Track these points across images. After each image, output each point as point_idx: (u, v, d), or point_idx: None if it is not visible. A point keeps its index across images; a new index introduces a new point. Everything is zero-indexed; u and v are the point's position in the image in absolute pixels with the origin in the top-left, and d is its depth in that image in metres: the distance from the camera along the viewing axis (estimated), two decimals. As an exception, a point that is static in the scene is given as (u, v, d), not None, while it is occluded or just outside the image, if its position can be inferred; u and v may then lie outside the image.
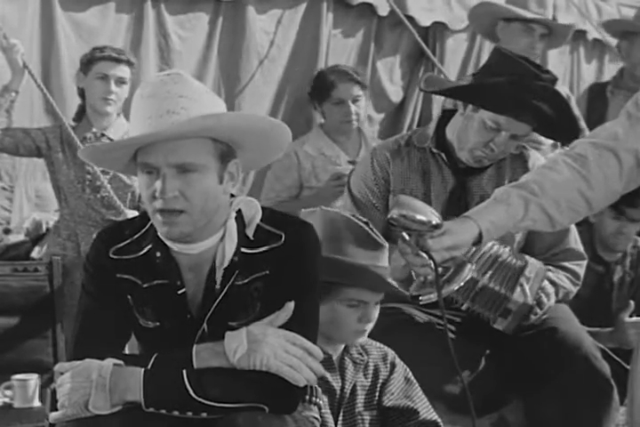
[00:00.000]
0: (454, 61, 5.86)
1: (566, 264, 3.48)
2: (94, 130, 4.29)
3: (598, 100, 5.20)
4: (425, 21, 5.62)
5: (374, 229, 2.75)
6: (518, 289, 3.26)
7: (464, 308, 3.30)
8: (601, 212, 3.86)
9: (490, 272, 3.24)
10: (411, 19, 5.47)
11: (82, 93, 4.32)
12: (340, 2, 5.37)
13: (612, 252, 4.13)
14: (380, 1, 5.38)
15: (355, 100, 4.56)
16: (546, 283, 3.32)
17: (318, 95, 4.59)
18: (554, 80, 3.31)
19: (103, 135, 4.28)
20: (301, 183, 4.49)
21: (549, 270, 3.38)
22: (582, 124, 4.79)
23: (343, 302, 2.66)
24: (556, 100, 3.25)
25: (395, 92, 5.68)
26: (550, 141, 4.39)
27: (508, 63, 3.29)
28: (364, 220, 2.77)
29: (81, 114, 4.37)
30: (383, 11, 5.44)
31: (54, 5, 4.58)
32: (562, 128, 3.30)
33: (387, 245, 2.74)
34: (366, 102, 4.75)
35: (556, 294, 3.39)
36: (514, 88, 3.21)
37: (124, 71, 4.23)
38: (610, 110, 5.07)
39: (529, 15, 4.56)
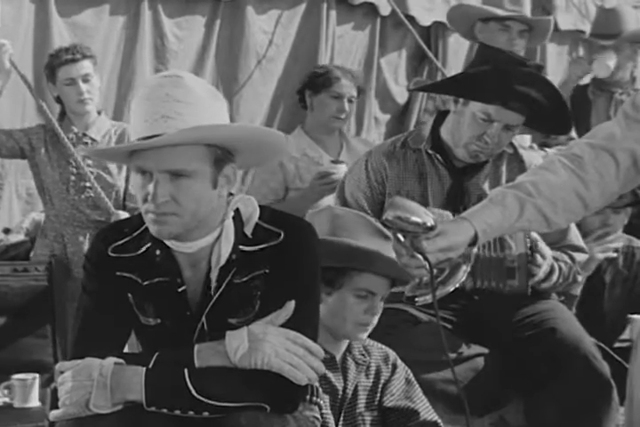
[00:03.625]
0: (457, 61, 5.86)
1: (566, 251, 3.49)
2: (75, 130, 4.29)
3: (581, 102, 5.23)
4: (425, 21, 5.63)
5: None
6: (506, 245, 3.28)
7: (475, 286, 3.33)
8: None
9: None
10: (411, 18, 5.47)
11: (59, 100, 4.33)
12: (342, 2, 5.37)
13: None
14: (381, 1, 5.38)
15: (350, 100, 4.57)
16: (530, 234, 3.32)
17: (315, 86, 4.57)
18: (539, 67, 3.32)
19: (85, 135, 4.28)
20: (286, 185, 4.49)
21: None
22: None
23: (351, 293, 2.66)
24: (544, 85, 3.26)
25: (400, 93, 5.69)
26: (526, 144, 4.41)
27: (491, 54, 3.32)
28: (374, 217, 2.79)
29: (62, 115, 4.37)
30: (385, 10, 5.45)
31: (50, 5, 4.58)
32: (554, 117, 3.30)
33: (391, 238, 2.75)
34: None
35: (555, 267, 3.40)
36: (497, 75, 3.22)
37: (86, 67, 4.22)
38: (593, 112, 5.10)
39: (502, 13, 4.59)
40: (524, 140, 4.46)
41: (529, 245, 3.29)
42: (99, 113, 4.35)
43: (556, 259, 3.41)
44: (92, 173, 4.22)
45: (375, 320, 2.73)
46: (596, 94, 5.34)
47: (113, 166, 4.30)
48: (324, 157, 4.52)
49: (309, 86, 4.60)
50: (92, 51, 4.31)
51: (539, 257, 3.30)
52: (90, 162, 4.25)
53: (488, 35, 4.61)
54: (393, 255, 2.70)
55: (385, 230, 2.74)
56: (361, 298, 2.69)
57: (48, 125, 4.27)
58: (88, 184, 4.22)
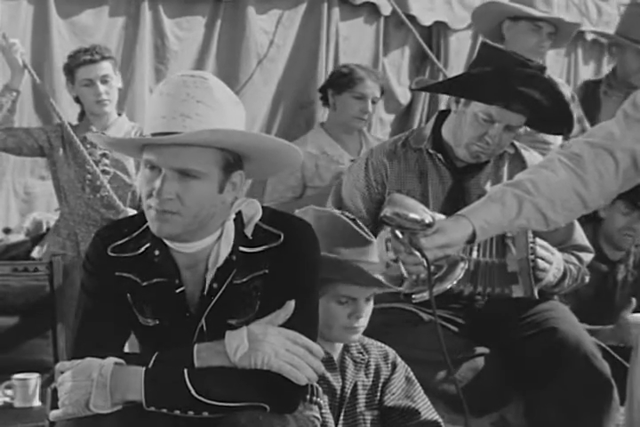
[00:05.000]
0: (458, 60, 5.85)
1: (572, 251, 3.49)
2: (94, 129, 4.31)
3: (591, 100, 5.19)
4: (426, 21, 5.63)
5: (361, 226, 2.74)
6: (508, 250, 3.29)
7: (474, 291, 3.32)
8: (613, 206, 3.87)
9: (478, 250, 3.25)
10: (412, 18, 5.47)
11: (77, 100, 4.35)
12: (343, 1, 5.37)
13: (617, 249, 4.13)
14: (382, 0, 5.38)
15: (373, 101, 4.58)
16: (536, 239, 3.32)
17: (339, 85, 4.57)
18: (542, 68, 3.32)
19: (103, 135, 4.28)
20: (304, 183, 4.48)
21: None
22: (586, 124, 4.79)
23: (333, 299, 2.66)
24: (546, 86, 3.26)
25: (402, 94, 5.69)
26: (559, 142, 4.40)
27: (494, 55, 3.32)
28: (352, 217, 2.77)
29: (82, 115, 4.41)
30: (386, 10, 5.44)
31: (49, 4, 4.57)
32: (555, 118, 3.30)
33: (374, 240, 2.74)
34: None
35: (562, 269, 3.38)
36: (499, 76, 3.22)
37: (104, 68, 4.24)
38: (603, 111, 5.07)
39: (537, 14, 4.57)
40: (556, 139, 4.45)
41: (531, 251, 3.28)
42: (119, 114, 4.37)
43: (565, 261, 3.41)
44: (108, 172, 4.26)
45: (362, 322, 2.72)
46: (607, 94, 5.30)
47: (131, 167, 4.33)
48: (345, 155, 4.53)
49: (332, 85, 4.60)
50: (111, 52, 4.33)
51: (540, 262, 3.29)
52: (107, 161, 4.29)
53: (517, 34, 4.59)
54: (370, 259, 2.70)
55: (363, 233, 2.72)
56: (343, 304, 2.68)
57: (64, 124, 4.29)
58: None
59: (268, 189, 4.57)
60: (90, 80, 4.22)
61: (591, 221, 3.59)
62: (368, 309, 2.73)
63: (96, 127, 4.32)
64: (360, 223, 2.75)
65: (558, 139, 4.42)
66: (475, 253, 3.26)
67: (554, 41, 4.73)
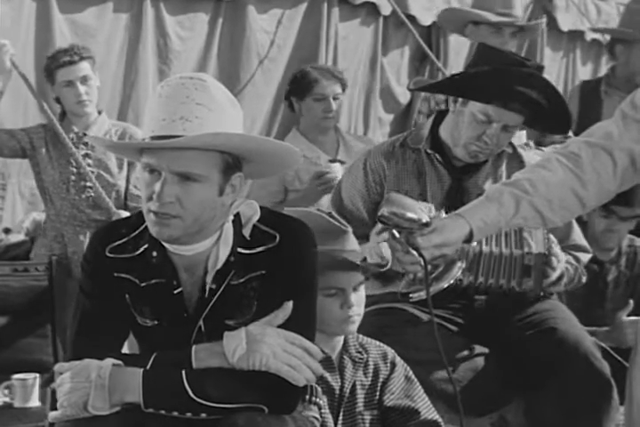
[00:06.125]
0: (458, 60, 5.86)
1: (570, 251, 3.49)
2: (76, 130, 4.30)
3: (592, 99, 5.16)
4: (425, 21, 5.63)
5: (337, 218, 2.76)
6: (525, 243, 3.27)
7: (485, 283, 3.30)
8: (592, 210, 3.86)
9: (492, 240, 3.25)
10: (412, 18, 5.47)
11: (58, 100, 4.34)
12: (343, 1, 5.37)
13: (604, 250, 4.12)
14: (382, 0, 5.38)
15: (335, 98, 4.57)
16: (550, 235, 3.31)
17: (299, 91, 4.58)
18: (539, 67, 3.32)
19: (85, 135, 4.27)
20: (285, 187, 4.49)
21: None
22: None
23: (321, 293, 2.65)
24: (544, 85, 3.25)
25: (402, 93, 5.70)
26: (523, 140, 4.39)
27: (492, 54, 3.31)
28: (327, 211, 2.79)
29: (63, 115, 4.39)
30: (385, 10, 5.45)
31: (51, 4, 4.58)
32: (553, 117, 3.30)
33: (350, 229, 2.75)
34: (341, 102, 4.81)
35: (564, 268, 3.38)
36: (497, 75, 3.21)
37: (83, 69, 4.22)
38: (604, 111, 5.05)
39: (494, 19, 4.58)
40: (519, 138, 4.45)
41: (547, 246, 3.28)
42: (99, 113, 4.36)
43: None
44: (92, 172, 4.23)
45: (356, 311, 2.72)
46: (608, 93, 5.28)
47: (113, 166, 4.32)
48: (322, 157, 4.53)
49: (293, 93, 4.61)
50: (90, 51, 4.31)
51: (554, 260, 3.29)
52: (90, 162, 4.27)
53: (480, 37, 4.60)
54: (346, 247, 2.71)
55: (338, 224, 2.73)
56: (332, 296, 2.68)
57: (49, 125, 4.28)
58: (89, 184, 4.24)
59: (250, 196, 4.55)
60: (70, 81, 4.20)
61: (579, 224, 3.58)
62: (359, 298, 2.74)
63: (77, 127, 4.31)
64: (335, 216, 2.78)
65: (522, 139, 4.41)
66: (492, 245, 3.25)
67: (521, 36, 4.74)
